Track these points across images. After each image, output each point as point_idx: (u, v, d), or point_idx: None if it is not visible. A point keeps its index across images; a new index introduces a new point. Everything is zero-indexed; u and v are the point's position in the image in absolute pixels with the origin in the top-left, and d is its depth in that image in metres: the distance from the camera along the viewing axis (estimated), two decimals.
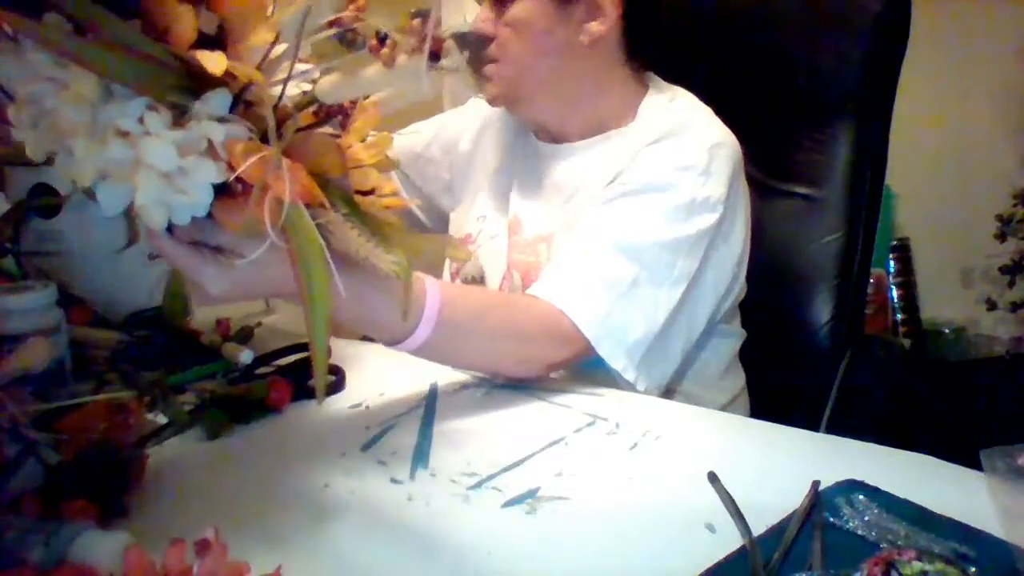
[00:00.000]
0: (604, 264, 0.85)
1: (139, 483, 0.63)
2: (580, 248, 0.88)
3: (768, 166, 1.08)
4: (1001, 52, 2.05)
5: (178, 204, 0.52)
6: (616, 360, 0.84)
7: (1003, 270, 2.09)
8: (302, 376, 0.82)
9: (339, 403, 0.80)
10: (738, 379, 1.04)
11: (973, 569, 0.49)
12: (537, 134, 1.05)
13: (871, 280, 1.17)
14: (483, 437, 0.73)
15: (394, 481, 0.65)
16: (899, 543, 0.52)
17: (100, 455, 0.61)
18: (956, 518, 0.55)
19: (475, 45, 0.94)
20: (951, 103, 2.13)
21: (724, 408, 1.00)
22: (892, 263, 2.24)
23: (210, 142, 0.51)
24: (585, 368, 0.85)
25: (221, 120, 0.52)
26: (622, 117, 0.97)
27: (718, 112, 0.96)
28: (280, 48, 0.54)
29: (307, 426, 0.76)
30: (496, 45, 0.93)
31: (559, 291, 0.84)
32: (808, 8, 1.10)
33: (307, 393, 0.81)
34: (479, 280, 1.04)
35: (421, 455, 0.69)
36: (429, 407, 0.78)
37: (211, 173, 0.51)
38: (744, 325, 1.03)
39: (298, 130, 0.54)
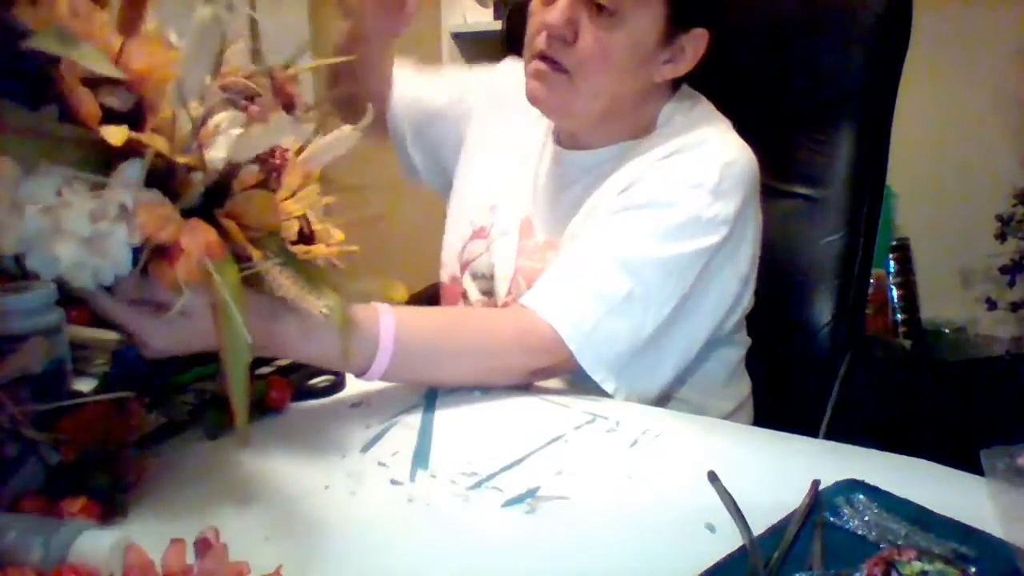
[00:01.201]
0: (601, 277, 0.85)
1: (139, 483, 0.63)
2: (579, 258, 0.87)
3: (768, 166, 1.07)
4: (1001, 53, 2.05)
5: (101, 266, 0.57)
6: (596, 371, 0.83)
7: (1003, 270, 2.09)
8: (302, 376, 0.82)
9: (339, 402, 0.80)
10: (743, 386, 1.03)
11: (973, 569, 0.49)
12: (558, 136, 1.03)
13: (871, 280, 1.16)
14: (483, 436, 0.73)
15: (394, 483, 0.65)
16: (899, 543, 0.52)
17: (100, 455, 0.61)
18: None
19: (555, 42, 0.88)
20: (951, 103, 2.12)
21: (729, 415, 0.98)
22: (892, 263, 2.24)
23: (125, 207, 0.55)
24: (580, 376, 0.85)
25: (134, 187, 0.56)
26: (645, 127, 0.96)
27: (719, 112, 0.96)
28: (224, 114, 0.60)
29: (307, 426, 0.76)
30: (579, 58, 0.88)
31: (549, 301, 0.84)
32: (809, 9, 1.10)
33: (307, 393, 0.81)
34: (489, 278, 1.03)
35: (421, 456, 0.69)
36: (429, 405, 0.78)
37: (125, 236, 0.56)
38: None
39: (244, 189, 0.60)
